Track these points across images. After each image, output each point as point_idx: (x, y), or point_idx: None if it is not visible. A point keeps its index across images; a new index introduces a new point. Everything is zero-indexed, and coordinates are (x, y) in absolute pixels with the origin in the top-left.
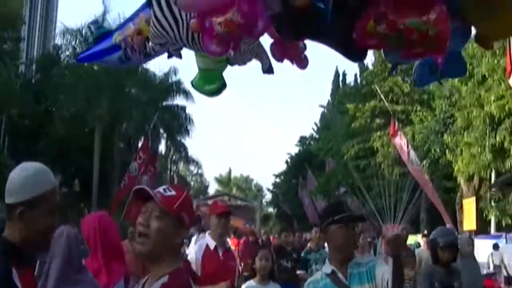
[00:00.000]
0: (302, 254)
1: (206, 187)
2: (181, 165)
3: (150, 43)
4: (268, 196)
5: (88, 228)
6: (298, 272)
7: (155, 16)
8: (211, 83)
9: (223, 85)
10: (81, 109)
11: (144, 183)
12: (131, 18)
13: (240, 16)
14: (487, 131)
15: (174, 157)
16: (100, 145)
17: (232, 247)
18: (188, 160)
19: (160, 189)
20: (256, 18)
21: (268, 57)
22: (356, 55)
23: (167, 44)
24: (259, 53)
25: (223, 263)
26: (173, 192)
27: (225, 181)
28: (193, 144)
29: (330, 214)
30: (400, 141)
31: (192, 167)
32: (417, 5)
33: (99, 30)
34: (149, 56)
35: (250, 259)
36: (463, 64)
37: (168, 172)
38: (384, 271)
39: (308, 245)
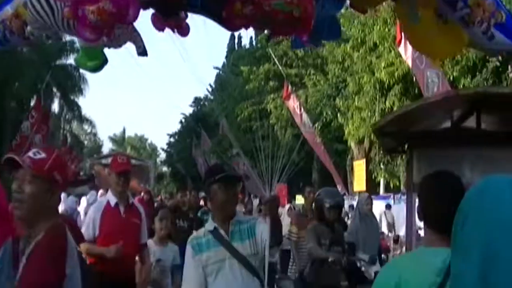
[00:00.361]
0: (199, 214)
1: (100, 146)
2: (74, 124)
3: (29, 27)
4: (163, 156)
5: None
6: (194, 232)
7: (31, 2)
8: (93, 59)
9: (104, 61)
10: None
11: (36, 142)
12: (8, 1)
13: (112, 5)
14: (377, 96)
15: (67, 116)
16: None
17: None
18: (82, 119)
19: (30, 153)
20: (128, 6)
21: (142, 40)
22: (232, 29)
23: (45, 29)
24: (133, 37)
25: (125, 221)
26: (43, 155)
27: (119, 140)
28: (87, 103)
29: (211, 174)
30: (293, 104)
31: (86, 126)
32: None
33: None
34: (28, 40)
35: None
36: (338, 27)
37: (61, 131)
38: (263, 229)
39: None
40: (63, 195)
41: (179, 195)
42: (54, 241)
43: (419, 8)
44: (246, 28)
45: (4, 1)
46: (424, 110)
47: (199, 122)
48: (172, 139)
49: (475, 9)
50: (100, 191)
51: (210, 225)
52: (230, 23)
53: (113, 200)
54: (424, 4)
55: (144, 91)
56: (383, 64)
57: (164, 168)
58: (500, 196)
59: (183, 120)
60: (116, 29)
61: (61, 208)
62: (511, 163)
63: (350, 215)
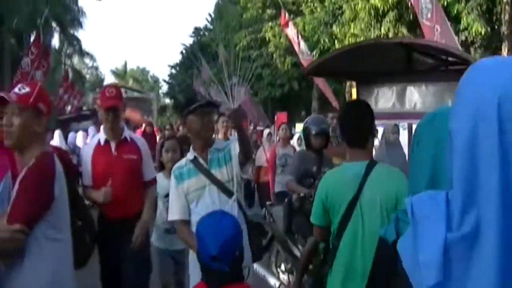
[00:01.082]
0: None
1: (102, 80)
2: (75, 59)
3: None
4: (165, 88)
5: None
6: None
7: None
8: None
9: None
10: None
11: (37, 78)
12: None
13: None
14: (372, 23)
15: (68, 51)
16: None
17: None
18: (82, 53)
19: (16, 89)
20: None
21: None
22: None
23: None
24: None
25: (117, 158)
26: (27, 89)
27: (121, 73)
28: (87, 37)
29: (186, 105)
30: (292, 32)
31: (87, 61)
32: None
33: None
34: None
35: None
36: None
37: (63, 66)
38: (235, 146)
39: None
40: (58, 132)
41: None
42: (44, 166)
43: None
44: None
45: None
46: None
47: (199, 52)
48: (173, 71)
49: None
50: (102, 126)
51: (190, 154)
52: None
53: (103, 138)
54: None
55: (144, 23)
56: None
57: (167, 100)
58: (445, 121)
59: (183, 51)
60: None
61: (62, 144)
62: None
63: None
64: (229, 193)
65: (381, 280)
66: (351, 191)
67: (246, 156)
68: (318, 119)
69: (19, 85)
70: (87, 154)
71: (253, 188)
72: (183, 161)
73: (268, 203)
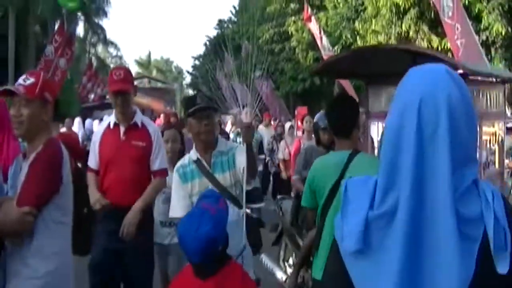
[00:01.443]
0: (232, 136)
1: None
2: (99, 48)
3: None
4: (189, 79)
5: None
6: None
7: None
8: (72, 1)
9: (82, 4)
10: None
11: (61, 65)
12: None
13: None
14: (393, 20)
15: (92, 39)
16: (15, 29)
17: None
18: (107, 42)
19: (21, 80)
20: None
21: None
22: None
23: None
24: None
25: (125, 143)
26: (32, 79)
27: (145, 63)
28: (111, 26)
29: (186, 108)
30: (314, 26)
31: (111, 50)
32: None
33: None
34: None
35: None
36: None
37: (87, 55)
38: (241, 160)
39: (230, 129)
40: (78, 119)
41: None
42: (52, 151)
43: None
44: None
45: None
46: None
47: (222, 45)
48: (197, 62)
49: None
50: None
51: (194, 154)
52: None
53: (112, 121)
54: None
55: (169, 14)
56: None
57: (190, 91)
58: None
59: (207, 43)
60: None
61: (81, 131)
62: None
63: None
64: (231, 198)
65: None
66: (334, 176)
67: (252, 175)
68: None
69: (24, 76)
70: (96, 136)
71: (268, 179)
72: (186, 159)
73: (278, 196)
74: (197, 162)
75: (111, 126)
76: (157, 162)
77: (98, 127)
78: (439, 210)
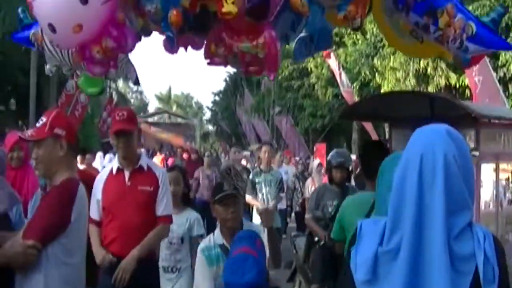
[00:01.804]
0: (250, 177)
1: (146, 104)
2: (120, 83)
3: (48, 66)
4: (208, 114)
5: (10, 143)
6: (246, 196)
7: (46, 45)
8: (93, 86)
9: (102, 90)
10: (16, 26)
11: (82, 100)
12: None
13: (113, 41)
14: (412, 57)
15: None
16: (37, 63)
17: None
18: (127, 77)
19: (37, 124)
20: (126, 38)
21: (135, 71)
22: (215, 65)
23: (62, 65)
24: (129, 69)
25: (131, 189)
26: (44, 119)
27: (165, 98)
28: (132, 61)
29: (213, 195)
30: (333, 62)
31: (131, 85)
32: (248, 32)
33: (24, 21)
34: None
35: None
36: (330, 39)
37: (108, 89)
38: (263, 249)
39: (254, 165)
40: (100, 154)
41: (232, 151)
42: (65, 189)
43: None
44: (225, 65)
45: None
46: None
47: (242, 80)
48: (217, 97)
49: (446, 29)
50: (142, 150)
51: (218, 237)
52: (210, 61)
53: (115, 165)
54: (401, 28)
55: (190, 49)
56: None
57: (210, 127)
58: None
59: (227, 79)
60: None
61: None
62: None
63: None
64: None
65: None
66: (362, 214)
67: (276, 264)
68: (339, 153)
69: (42, 117)
70: (97, 184)
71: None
72: (211, 241)
73: (292, 233)
74: (222, 247)
75: (114, 171)
76: (162, 207)
77: (98, 176)
78: (435, 249)
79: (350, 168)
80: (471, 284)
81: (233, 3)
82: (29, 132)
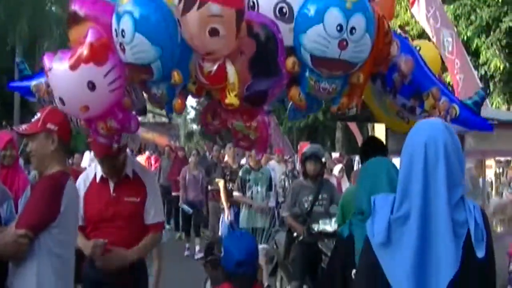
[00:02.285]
0: (240, 174)
1: None
2: None
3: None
4: (192, 114)
5: (3, 142)
6: (235, 194)
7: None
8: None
9: None
10: (1, 27)
11: None
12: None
13: (116, 123)
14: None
15: None
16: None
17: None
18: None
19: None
20: (130, 121)
21: (139, 139)
22: (212, 133)
23: None
24: (134, 138)
25: (116, 200)
26: (38, 115)
27: None
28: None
29: (206, 255)
30: None
31: None
32: (243, 113)
33: (23, 72)
34: None
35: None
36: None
37: None
38: None
39: (244, 162)
40: (89, 154)
41: (214, 149)
42: (54, 180)
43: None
44: (219, 133)
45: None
46: None
47: None
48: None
49: (431, 111)
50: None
51: None
52: (207, 129)
53: (99, 173)
54: (388, 108)
55: None
56: (398, 23)
57: (194, 126)
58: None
59: None
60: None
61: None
62: None
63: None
64: None
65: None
66: None
67: None
68: (312, 146)
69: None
70: (79, 189)
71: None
72: None
73: (273, 229)
74: None
75: (98, 179)
76: (151, 214)
77: (79, 181)
78: (441, 216)
79: (324, 160)
80: (465, 243)
81: (235, 96)
82: (23, 127)
